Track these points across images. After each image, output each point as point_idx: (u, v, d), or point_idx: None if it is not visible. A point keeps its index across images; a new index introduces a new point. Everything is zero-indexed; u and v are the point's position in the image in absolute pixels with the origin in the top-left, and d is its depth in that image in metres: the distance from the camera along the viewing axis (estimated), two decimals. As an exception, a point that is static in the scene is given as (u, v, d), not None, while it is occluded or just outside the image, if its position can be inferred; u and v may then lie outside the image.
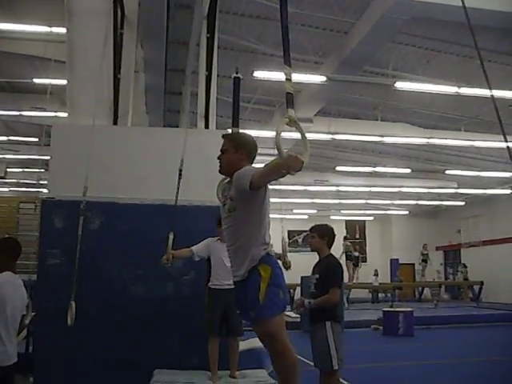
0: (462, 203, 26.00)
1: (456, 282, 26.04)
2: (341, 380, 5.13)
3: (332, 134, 14.93)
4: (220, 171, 3.68)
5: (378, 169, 20.14)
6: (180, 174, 5.15)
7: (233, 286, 4.91)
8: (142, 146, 6.32)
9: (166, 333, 5.68)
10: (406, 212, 29.09)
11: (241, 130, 5.41)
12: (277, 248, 4.56)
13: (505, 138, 3.26)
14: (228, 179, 3.65)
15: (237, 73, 5.76)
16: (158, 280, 5.82)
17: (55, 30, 9.26)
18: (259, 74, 10.95)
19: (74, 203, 4.91)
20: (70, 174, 5.55)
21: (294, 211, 27.40)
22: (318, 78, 11.47)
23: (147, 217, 5.93)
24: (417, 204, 26.68)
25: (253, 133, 10.79)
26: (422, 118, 15.65)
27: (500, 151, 15.73)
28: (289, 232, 28.79)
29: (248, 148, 3.59)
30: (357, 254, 21.97)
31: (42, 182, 15.16)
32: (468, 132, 15.84)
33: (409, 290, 26.03)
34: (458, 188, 22.97)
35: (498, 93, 10.76)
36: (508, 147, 3.18)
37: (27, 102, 13.36)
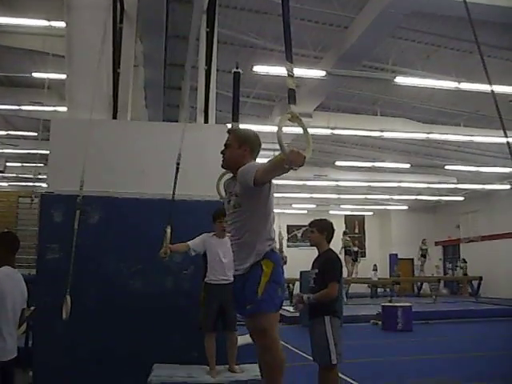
0: (462, 198, 26.02)
1: (455, 277, 26.10)
2: (339, 374, 5.14)
3: (331, 128, 14.92)
4: (223, 165, 3.71)
5: (378, 164, 20.13)
6: (177, 168, 5.15)
7: (228, 281, 4.97)
8: (141, 141, 6.31)
9: (165, 327, 5.68)
10: (406, 207, 29.11)
11: (240, 125, 5.40)
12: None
13: (505, 133, 3.26)
14: (231, 175, 3.67)
15: (237, 67, 5.74)
16: (157, 274, 5.82)
17: (54, 24, 9.23)
18: (259, 69, 10.93)
19: (73, 198, 4.92)
20: (70, 169, 5.53)
21: (293, 206, 27.42)
22: (317, 73, 11.45)
23: (147, 211, 5.92)
24: (416, 199, 26.69)
25: (252, 127, 10.83)
26: (422, 112, 15.64)
27: (499, 146, 15.72)
28: (288, 227, 28.87)
29: (252, 144, 3.61)
30: (356, 249, 22.00)
31: (40, 177, 15.16)
32: (467, 127, 15.83)
33: (408, 285, 26.08)
34: (457, 183, 22.99)
35: (498, 88, 10.75)
36: (508, 142, 3.18)
37: (26, 96, 13.34)
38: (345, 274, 17.57)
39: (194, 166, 5.82)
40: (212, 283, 5.25)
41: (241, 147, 3.56)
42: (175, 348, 5.58)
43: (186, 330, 5.64)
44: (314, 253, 5.32)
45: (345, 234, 21.91)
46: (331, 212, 27.99)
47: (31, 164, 18.01)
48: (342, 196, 26.06)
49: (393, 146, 18.85)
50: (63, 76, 7.78)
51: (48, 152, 6.25)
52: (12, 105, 13.87)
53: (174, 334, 5.69)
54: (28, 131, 16.12)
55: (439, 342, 11.03)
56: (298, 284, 16.39)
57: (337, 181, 22.15)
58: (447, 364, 8.60)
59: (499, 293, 21.43)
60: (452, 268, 28.22)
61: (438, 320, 14.65)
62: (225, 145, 3.64)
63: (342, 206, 28.87)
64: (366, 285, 24.07)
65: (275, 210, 3.67)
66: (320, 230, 5.23)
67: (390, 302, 15.17)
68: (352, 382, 6.99)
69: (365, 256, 28.15)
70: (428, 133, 15.65)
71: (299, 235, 29.31)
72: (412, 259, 27.86)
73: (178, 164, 5.16)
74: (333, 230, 5.32)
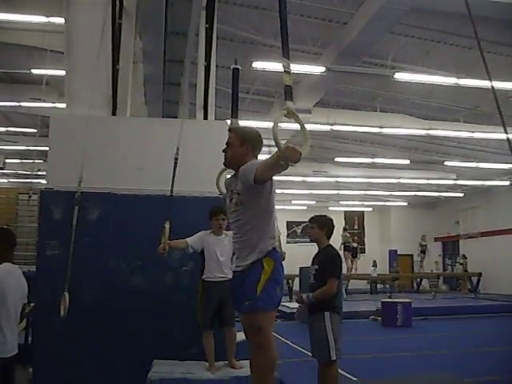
0: (461, 194, 26.05)
1: (454, 274, 26.12)
2: (339, 370, 5.15)
3: (331, 124, 14.94)
4: (225, 164, 3.72)
5: (377, 160, 20.14)
6: (176, 163, 5.15)
7: (226, 278, 4.98)
8: (140, 137, 6.30)
9: (165, 323, 5.69)
10: (405, 203, 29.14)
11: (240, 121, 5.40)
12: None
13: (505, 129, 3.26)
14: (232, 172, 3.67)
15: (236, 64, 5.74)
16: (157, 271, 5.83)
17: (53, 20, 9.21)
18: (258, 65, 10.92)
19: (73, 194, 4.93)
20: (69, 165, 5.53)
21: (293, 202, 27.43)
22: (316, 69, 11.44)
23: (146, 207, 5.92)
24: (416, 195, 26.72)
25: (252, 124, 10.83)
26: (422, 109, 15.64)
27: (499, 142, 15.74)
28: (287, 223, 28.89)
29: (253, 142, 3.61)
30: (355, 245, 22.03)
31: (40, 173, 15.15)
32: (467, 123, 15.84)
33: (407, 281, 26.11)
34: (456, 179, 23.02)
35: (497, 84, 10.74)
36: (508, 138, 3.19)
37: (25, 92, 13.33)
38: (344, 270, 17.57)
39: (193, 162, 5.82)
40: (209, 280, 5.25)
41: (243, 146, 3.56)
42: (175, 344, 5.59)
43: (185, 327, 5.64)
44: (313, 249, 5.32)
45: (345, 230, 21.92)
46: (331, 208, 28.01)
47: (30, 160, 18.05)
48: (342, 192, 26.08)
49: (392, 142, 18.85)
50: (62, 72, 7.77)
51: (47, 148, 6.25)
52: (11, 101, 13.85)
53: (174, 331, 5.70)
54: (27, 128, 16.10)
55: (439, 338, 11.05)
56: (297, 280, 16.41)
57: (336, 177, 22.17)
58: (447, 360, 8.62)
59: (498, 289, 21.48)
60: (451, 264, 28.26)
61: (438, 316, 14.65)
62: (226, 143, 3.65)
63: (341, 202, 28.89)
64: (366, 281, 24.12)
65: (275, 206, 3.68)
66: (320, 226, 5.24)
67: (390, 297, 15.21)
68: (351, 377, 7.00)
69: (364, 252, 28.20)
70: (428, 129, 15.67)
71: (299, 231, 29.34)
72: (411, 255, 27.90)
73: (176, 159, 5.16)
74: (333, 227, 5.33)
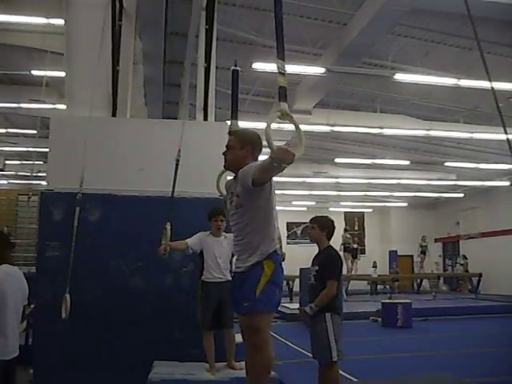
0: (461, 195, 26.03)
1: (454, 274, 26.09)
2: (340, 371, 5.15)
3: (331, 125, 14.93)
4: (225, 166, 3.73)
5: (377, 161, 20.13)
6: (177, 165, 5.15)
7: (225, 279, 4.99)
8: (140, 138, 6.32)
9: (165, 324, 5.70)
10: (405, 204, 29.12)
11: (240, 122, 5.40)
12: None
13: (505, 130, 3.26)
14: (233, 175, 3.68)
15: (235, 65, 5.74)
16: (157, 272, 5.83)
17: (53, 21, 9.21)
18: (258, 66, 10.93)
19: (73, 195, 4.93)
20: (69, 166, 5.54)
21: (293, 203, 27.42)
22: (316, 70, 11.44)
23: (146, 209, 5.92)
24: (416, 196, 26.70)
25: (251, 125, 10.81)
26: (421, 109, 15.64)
27: (499, 143, 15.71)
28: (288, 224, 28.87)
29: (253, 145, 3.62)
30: (355, 245, 22.00)
31: (40, 175, 15.14)
32: (467, 124, 15.83)
33: (407, 282, 26.09)
34: (457, 180, 23.01)
35: (497, 85, 10.73)
36: (508, 139, 3.18)
37: (25, 94, 13.31)
38: (344, 270, 17.56)
39: (193, 164, 5.82)
40: (208, 281, 5.25)
41: (243, 148, 3.57)
42: (175, 345, 5.59)
43: (185, 327, 5.64)
44: (313, 250, 5.32)
45: (345, 230, 21.89)
46: (331, 209, 27.98)
47: (30, 162, 18.05)
48: (342, 193, 26.07)
49: (392, 142, 18.84)
50: (62, 74, 7.77)
51: (47, 150, 6.25)
52: (11, 102, 13.84)
53: (174, 332, 5.70)
54: (27, 129, 16.09)
55: (439, 339, 11.05)
56: (297, 281, 16.39)
57: (336, 178, 22.16)
58: (447, 360, 8.61)
59: (499, 289, 21.44)
60: (452, 265, 28.24)
61: (438, 317, 14.65)
62: (226, 146, 3.65)
63: (341, 203, 28.87)
64: (366, 282, 24.08)
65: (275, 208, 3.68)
66: (321, 226, 5.24)
67: (390, 298, 15.20)
68: (352, 378, 7.00)
69: (364, 253, 28.19)
70: (428, 129, 15.66)
71: (299, 232, 29.32)
72: (412, 256, 27.86)
73: (177, 160, 5.16)
74: (334, 228, 5.33)
